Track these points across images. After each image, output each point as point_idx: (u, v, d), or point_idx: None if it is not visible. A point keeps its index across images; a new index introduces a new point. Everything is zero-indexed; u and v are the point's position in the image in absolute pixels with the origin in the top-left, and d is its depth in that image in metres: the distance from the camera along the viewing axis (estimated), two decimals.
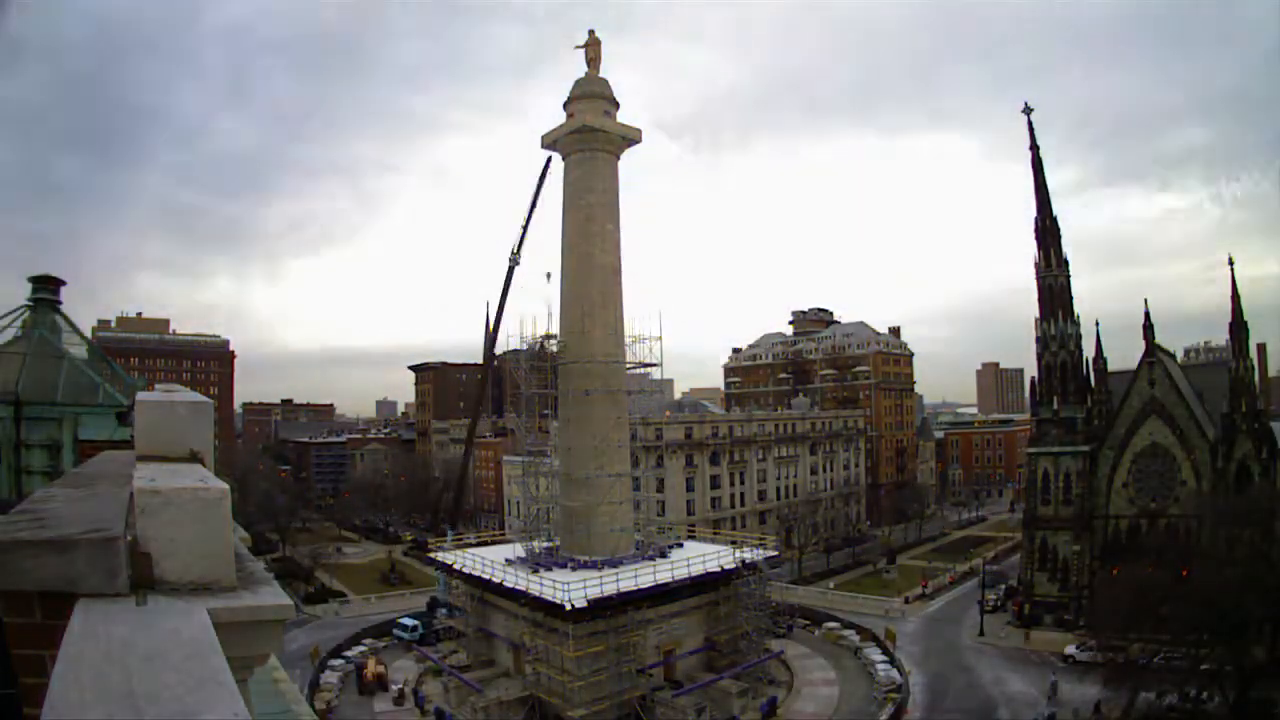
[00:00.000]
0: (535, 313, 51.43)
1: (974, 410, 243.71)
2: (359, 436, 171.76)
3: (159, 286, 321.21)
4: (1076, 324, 66.37)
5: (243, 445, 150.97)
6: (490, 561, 48.21)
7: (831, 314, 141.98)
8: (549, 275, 52.56)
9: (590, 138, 49.43)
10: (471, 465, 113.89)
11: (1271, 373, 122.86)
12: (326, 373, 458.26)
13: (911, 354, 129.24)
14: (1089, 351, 66.82)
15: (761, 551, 51.04)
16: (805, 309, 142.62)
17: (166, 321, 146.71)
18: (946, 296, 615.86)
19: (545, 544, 51.34)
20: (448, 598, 58.13)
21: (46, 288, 16.06)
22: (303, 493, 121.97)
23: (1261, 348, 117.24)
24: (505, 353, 68.86)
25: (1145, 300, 63.55)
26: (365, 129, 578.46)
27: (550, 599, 39.69)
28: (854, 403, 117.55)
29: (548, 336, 51.35)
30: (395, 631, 59.13)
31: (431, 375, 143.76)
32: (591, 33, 51.39)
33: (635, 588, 41.57)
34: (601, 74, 51.13)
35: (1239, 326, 62.06)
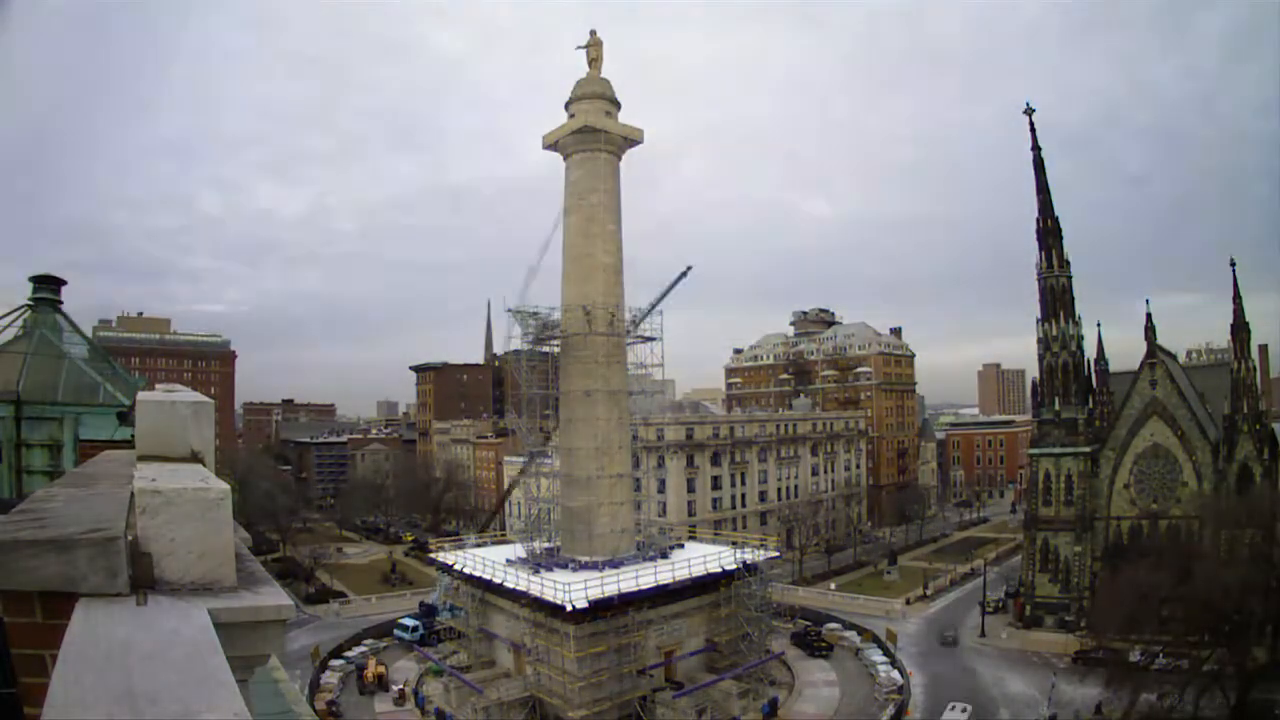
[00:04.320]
0: (535, 311, 51.09)
1: (975, 411, 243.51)
2: (360, 436, 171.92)
3: None
4: (1078, 325, 66.38)
5: (243, 445, 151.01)
6: (491, 562, 48.24)
7: (833, 314, 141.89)
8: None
9: (592, 138, 49.42)
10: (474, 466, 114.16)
11: (1273, 374, 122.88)
12: (328, 372, 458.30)
13: (913, 355, 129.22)
14: (1090, 352, 66.97)
15: (762, 552, 51.01)
16: (806, 309, 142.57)
17: (168, 321, 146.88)
18: (948, 296, 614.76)
19: (546, 544, 51.33)
20: (442, 601, 58.12)
21: (48, 287, 16.07)
22: (303, 493, 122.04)
23: (1263, 349, 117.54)
24: (506, 353, 68.72)
25: (1147, 300, 63.69)
26: None
27: (551, 600, 39.70)
28: (855, 403, 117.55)
29: (549, 337, 51.43)
30: (396, 632, 59.14)
31: (433, 375, 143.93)
32: (593, 33, 51.41)
33: (636, 588, 41.59)
34: (603, 75, 51.18)
35: (1240, 328, 62.06)
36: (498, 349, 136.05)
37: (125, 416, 13.46)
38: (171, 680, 1.78)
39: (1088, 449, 64.18)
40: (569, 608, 38.54)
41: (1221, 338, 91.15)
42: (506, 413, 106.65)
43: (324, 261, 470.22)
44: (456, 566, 50.61)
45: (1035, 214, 67.76)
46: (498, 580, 45.40)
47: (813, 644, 55.70)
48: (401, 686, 49.06)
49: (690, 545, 54.80)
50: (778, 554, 56.53)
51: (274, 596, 2.66)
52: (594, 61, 51.18)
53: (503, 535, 70.11)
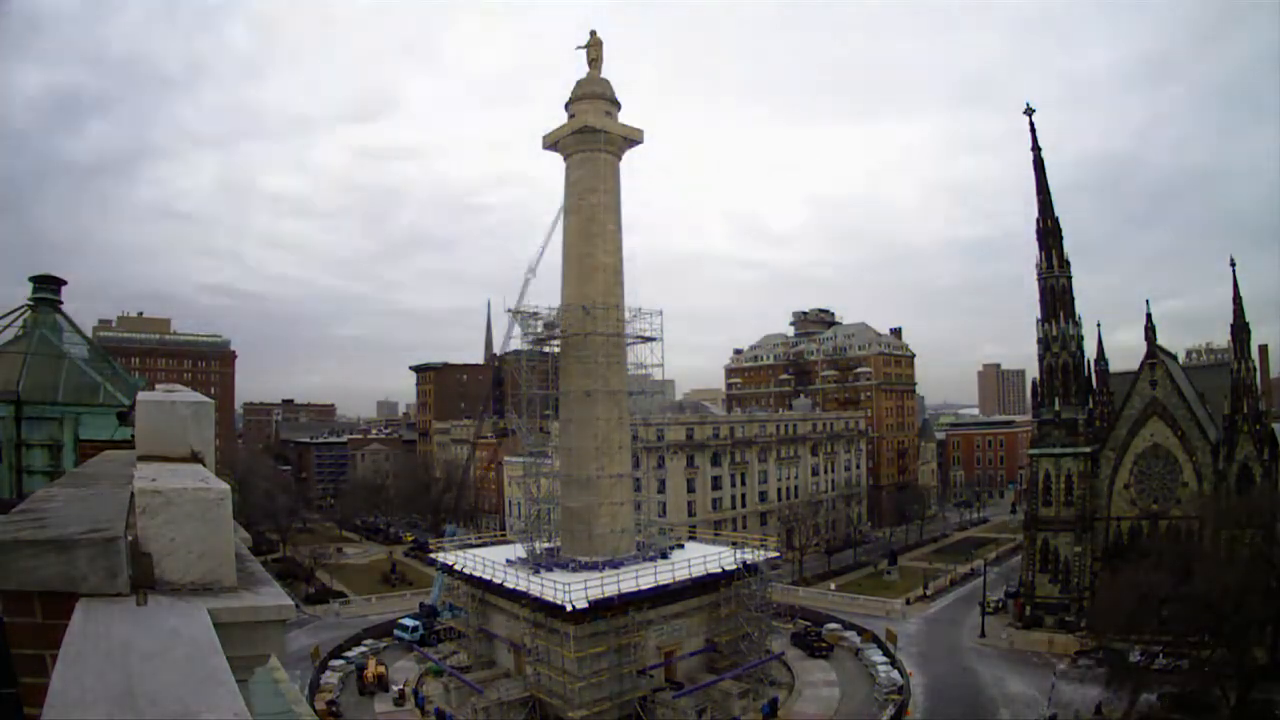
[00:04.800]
0: (535, 311, 51.04)
1: (975, 411, 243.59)
2: (360, 437, 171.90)
3: None
4: (1078, 325, 66.35)
5: (243, 445, 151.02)
6: (491, 562, 48.21)
7: (833, 315, 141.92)
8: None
9: (592, 138, 49.38)
10: (473, 465, 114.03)
11: (1273, 374, 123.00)
12: (328, 372, 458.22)
13: (913, 355, 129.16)
14: (1090, 353, 66.94)
15: (762, 553, 50.99)
16: (806, 309, 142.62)
17: (168, 321, 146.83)
18: (948, 295, 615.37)
19: (546, 545, 51.30)
20: (441, 602, 58.13)
21: (48, 287, 16.06)
22: (303, 493, 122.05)
23: (1263, 349, 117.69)
24: (506, 353, 68.71)
25: (1147, 301, 63.68)
26: None
27: (551, 600, 39.68)
28: (855, 404, 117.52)
29: (549, 337, 51.41)
30: (396, 632, 59.11)
31: (433, 376, 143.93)
32: (593, 33, 51.39)
33: (636, 589, 41.55)
34: (603, 75, 51.16)
35: (1240, 328, 62.03)
36: (498, 349, 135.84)
37: (125, 416, 13.45)
38: (171, 680, 1.78)
39: (1088, 449, 64.14)
40: (569, 608, 38.51)
41: (1222, 337, 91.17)
42: (506, 413, 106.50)
43: None
44: (456, 567, 50.61)
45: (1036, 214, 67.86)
46: (498, 580, 45.38)
47: (813, 644, 55.68)
48: (401, 687, 49.02)
49: (690, 545, 54.77)
50: (778, 554, 56.47)
51: (274, 596, 2.66)
52: (594, 62, 51.14)
53: (502, 535, 70.12)
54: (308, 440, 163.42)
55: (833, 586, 74.93)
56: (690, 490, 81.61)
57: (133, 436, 5.19)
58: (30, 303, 15.69)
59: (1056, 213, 67.20)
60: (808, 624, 59.79)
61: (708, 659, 47.78)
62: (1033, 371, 71.56)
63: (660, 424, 80.00)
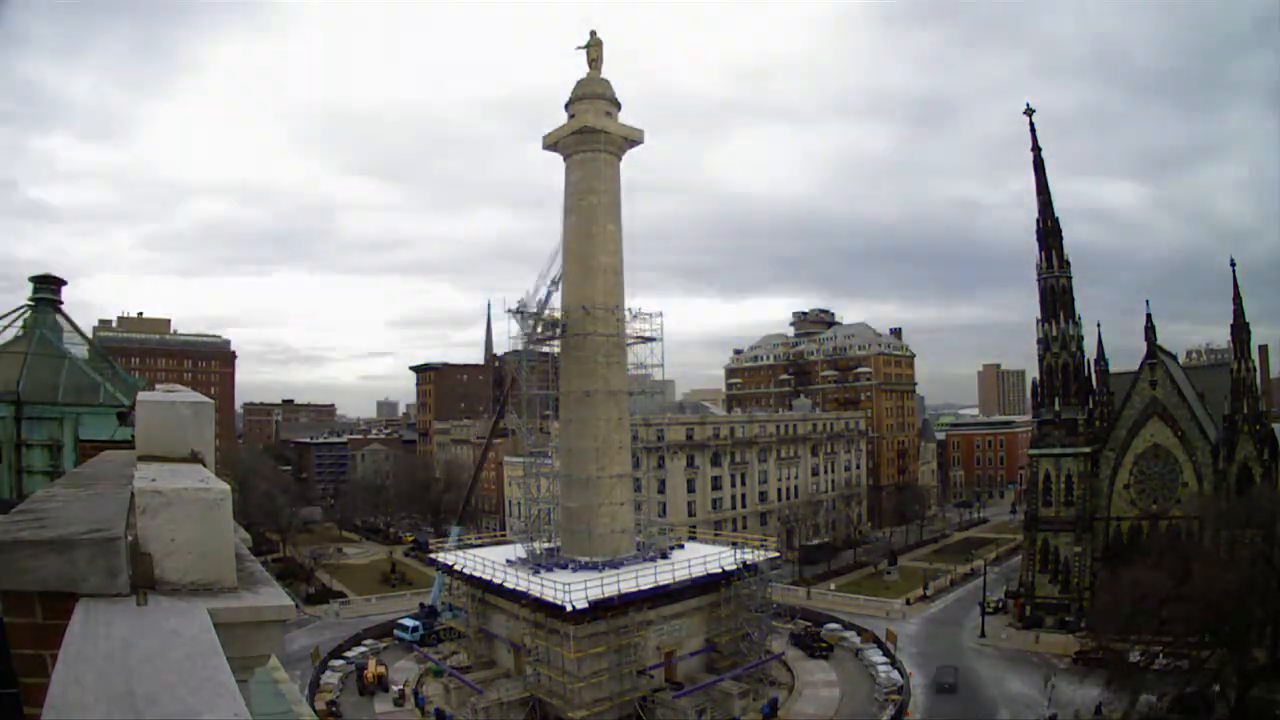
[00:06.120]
0: (535, 311, 51.05)
1: (975, 411, 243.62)
2: (360, 437, 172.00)
3: None
4: (1078, 325, 66.37)
5: (243, 445, 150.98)
6: (491, 562, 48.23)
7: (833, 315, 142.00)
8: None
9: (592, 138, 49.36)
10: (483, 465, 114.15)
11: (1273, 374, 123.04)
12: (328, 372, 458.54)
13: (913, 355, 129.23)
14: (1090, 353, 66.99)
15: (762, 553, 50.99)
16: (807, 310, 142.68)
17: (168, 321, 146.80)
18: (948, 297, 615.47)
19: (546, 545, 51.30)
20: (441, 602, 58.11)
21: (48, 288, 16.07)
22: (304, 493, 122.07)
23: (1263, 349, 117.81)
24: (507, 353, 68.74)
25: (1147, 301, 63.74)
26: None
27: (551, 600, 39.69)
28: (855, 404, 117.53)
29: (549, 337, 51.40)
30: (396, 632, 59.13)
31: (433, 376, 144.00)
32: (593, 33, 51.38)
33: (636, 589, 41.56)
34: (603, 75, 51.15)
35: (1240, 328, 62.05)
36: (498, 349, 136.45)
37: (125, 416, 13.46)
38: (171, 681, 1.78)
39: (1088, 449, 64.15)
40: (569, 608, 38.51)
41: (1221, 338, 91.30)
42: (507, 413, 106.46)
43: None
44: (457, 567, 50.61)
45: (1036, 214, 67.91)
46: (498, 581, 45.39)
47: (813, 644, 55.67)
48: (401, 687, 49.02)
49: (690, 546, 54.78)
50: (778, 554, 56.48)
51: (274, 597, 2.66)
52: (594, 62, 51.11)
53: (503, 535, 70.14)
54: (308, 440, 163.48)
55: (833, 586, 74.95)
56: (690, 490, 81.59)
57: (133, 436, 5.20)
58: (30, 303, 15.70)
59: (1056, 213, 67.35)
60: (808, 624, 59.74)
61: (708, 659, 47.78)
62: (1033, 371, 71.65)
63: (660, 424, 79.99)
